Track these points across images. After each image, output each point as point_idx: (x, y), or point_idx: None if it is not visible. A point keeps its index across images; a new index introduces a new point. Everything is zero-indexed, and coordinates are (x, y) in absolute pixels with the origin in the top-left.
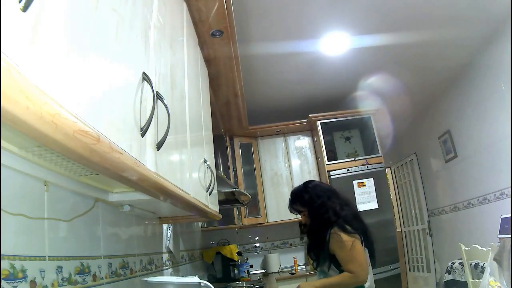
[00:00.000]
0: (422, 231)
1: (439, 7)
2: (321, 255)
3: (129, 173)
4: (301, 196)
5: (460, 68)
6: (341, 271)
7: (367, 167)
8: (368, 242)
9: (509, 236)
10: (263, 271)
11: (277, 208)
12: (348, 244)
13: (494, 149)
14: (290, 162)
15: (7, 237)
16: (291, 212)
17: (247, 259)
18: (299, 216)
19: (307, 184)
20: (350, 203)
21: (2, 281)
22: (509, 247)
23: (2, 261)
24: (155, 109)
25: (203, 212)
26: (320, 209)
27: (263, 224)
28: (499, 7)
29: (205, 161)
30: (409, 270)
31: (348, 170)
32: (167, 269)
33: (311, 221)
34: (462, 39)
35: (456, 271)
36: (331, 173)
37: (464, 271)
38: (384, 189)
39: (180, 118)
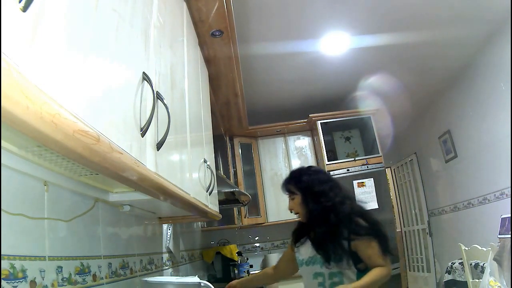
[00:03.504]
0: (422, 231)
1: (439, 7)
2: (338, 250)
3: (129, 173)
4: (299, 179)
5: (460, 68)
6: (358, 269)
7: (367, 167)
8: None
9: (509, 236)
10: None
11: (277, 208)
12: (374, 240)
13: (494, 149)
14: (290, 162)
15: (7, 237)
16: (283, 191)
17: (247, 259)
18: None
19: (310, 167)
20: (353, 198)
21: (2, 281)
22: (509, 247)
23: (2, 261)
24: (155, 109)
25: (203, 212)
26: (319, 196)
27: (263, 224)
28: (499, 7)
29: (205, 161)
30: (409, 270)
31: (348, 170)
32: (167, 269)
33: (306, 208)
34: (462, 39)
35: (456, 271)
36: (331, 173)
37: (464, 271)
38: (384, 189)
39: (180, 118)
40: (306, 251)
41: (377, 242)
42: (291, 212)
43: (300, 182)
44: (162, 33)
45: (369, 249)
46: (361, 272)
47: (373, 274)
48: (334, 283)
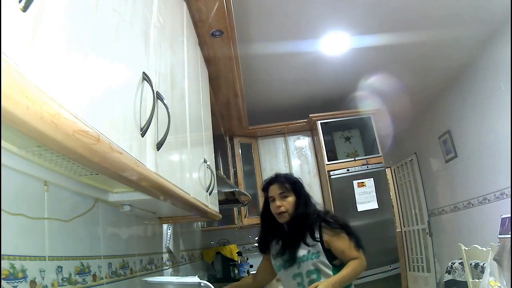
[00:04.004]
0: (422, 231)
1: (439, 7)
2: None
3: (129, 173)
4: (294, 180)
5: (460, 68)
6: (333, 265)
7: (367, 167)
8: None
9: (509, 236)
10: None
11: None
12: (344, 234)
13: (494, 149)
14: (290, 162)
15: (7, 237)
16: (278, 189)
17: (247, 259)
18: None
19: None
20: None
21: (2, 281)
22: (509, 247)
23: (2, 261)
24: (155, 109)
25: (203, 212)
26: (307, 200)
27: None
28: (499, 7)
29: (205, 161)
30: (409, 270)
31: (348, 170)
32: (167, 269)
33: (298, 209)
34: (462, 39)
35: (456, 271)
36: (331, 173)
37: (464, 271)
38: (384, 189)
39: (180, 118)
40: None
41: (348, 238)
42: (279, 209)
43: (296, 184)
44: (162, 33)
45: (340, 244)
46: (337, 268)
47: (349, 267)
48: (312, 281)
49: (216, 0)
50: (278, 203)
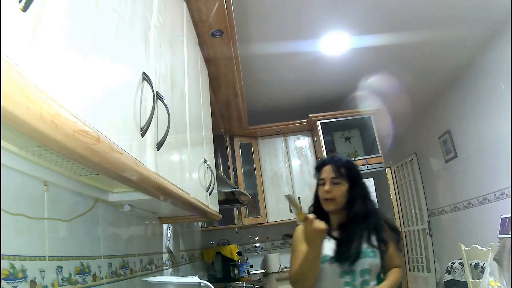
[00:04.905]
0: (422, 231)
1: (439, 7)
2: (363, 248)
3: (129, 173)
4: (351, 166)
5: (460, 68)
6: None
7: (367, 167)
8: None
9: (509, 236)
10: (263, 271)
11: (277, 208)
12: (396, 239)
13: (494, 149)
14: (290, 162)
15: (7, 237)
16: (333, 172)
17: (247, 259)
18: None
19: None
20: None
21: (2, 281)
22: (509, 247)
23: (2, 261)
24: (155, 109)
25: (203, 212)
26: (365, 192)
27: (263, 224)
28: (499, 7)
29: (205, 161)
30: (409, 270)
31: None
32: (167, 269)
33: (352, 201)
34: (462, 39)
35: (456, 271)
36: None
37: (464, 271)
38: (384, 189)
39: (180, 118)
40: (331, 247)
41: (397, 244)
42: (327, 195)
43: (352, 170)
44: (162, 33)
45: (392, 248)
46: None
47: (395, 275)
48: (364, 281)
49: (216, 0)
50: (327, 187)
